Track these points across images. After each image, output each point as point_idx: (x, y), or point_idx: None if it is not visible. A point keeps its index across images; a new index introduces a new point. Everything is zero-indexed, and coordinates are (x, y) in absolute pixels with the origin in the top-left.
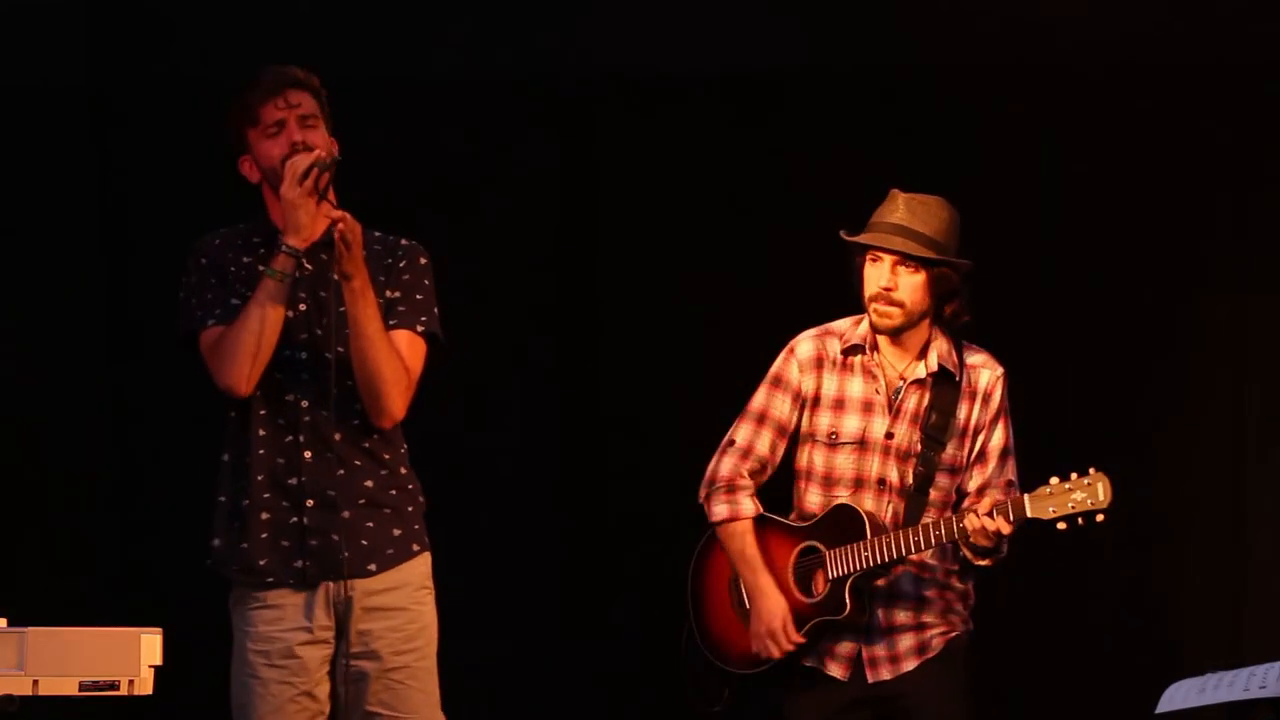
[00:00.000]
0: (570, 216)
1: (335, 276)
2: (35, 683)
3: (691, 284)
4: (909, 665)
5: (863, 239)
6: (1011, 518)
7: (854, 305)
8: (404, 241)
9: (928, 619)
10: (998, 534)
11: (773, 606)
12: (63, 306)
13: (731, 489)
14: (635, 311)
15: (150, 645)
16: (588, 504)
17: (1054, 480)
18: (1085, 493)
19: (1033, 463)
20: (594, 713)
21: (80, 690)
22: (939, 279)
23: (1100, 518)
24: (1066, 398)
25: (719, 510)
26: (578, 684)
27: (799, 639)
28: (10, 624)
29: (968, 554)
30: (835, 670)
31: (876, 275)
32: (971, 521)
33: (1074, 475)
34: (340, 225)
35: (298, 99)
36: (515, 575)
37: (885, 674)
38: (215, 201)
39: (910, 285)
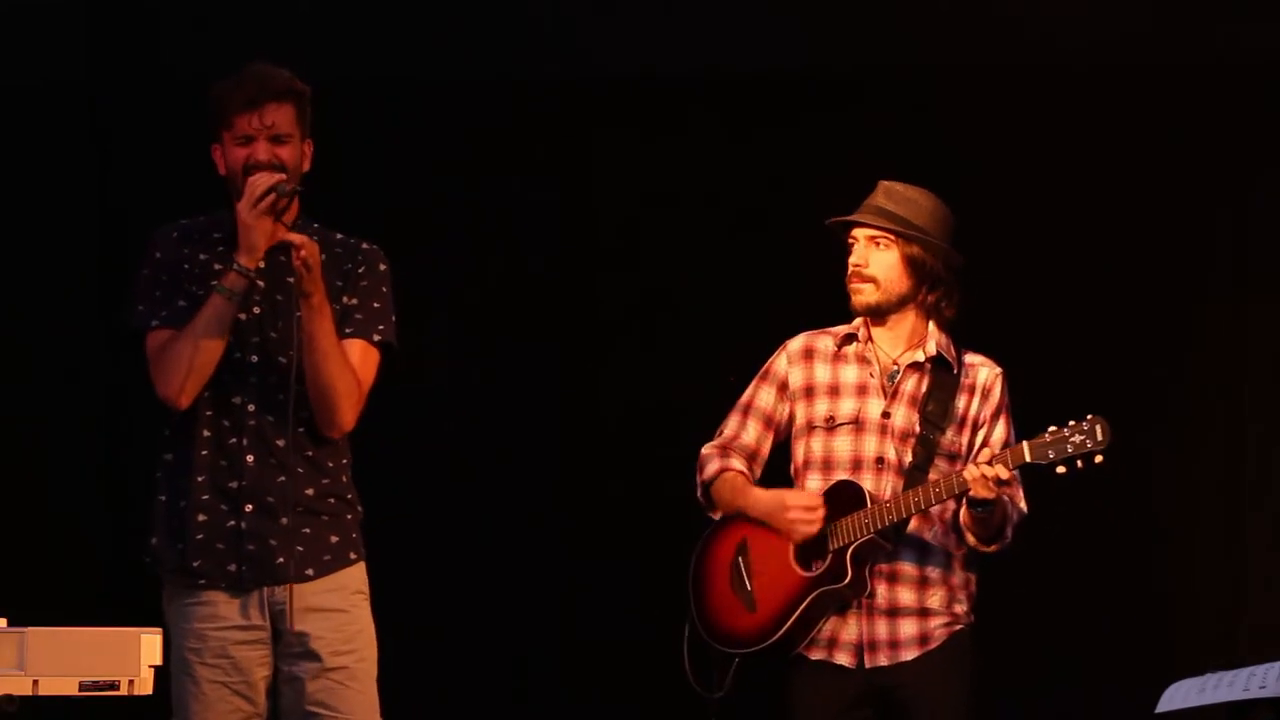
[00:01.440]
0: (569, 217)
1: (295, 292)
2: (35, 683)
3: (690, 284)
4: (909, 654)
5: (848, 217)
6: (1011, 464)
7: (850, 313)
8: (364, 245)
9: (931, 604)
10: (992, 493)
11: (778, 495)
12: (62, 306)
13: (724, 453)
14: (634, 312)
15: (150, 645)
16: (586, 505)
17: (1052, 427)
18: (1083, 435)
19: None
20: (594, 713)
21: (80, 690)
22: (913, 259)
23: (1099, 459)
24: (1066, 398)
25: (709, 469)
26: (578, 685)
27: (815, 496)
28: (10, 624)
29: (972, 539)
30: (843, 658)
31: (851, 256)
32: (971, 471)
33: (1071, 422)
34: (301, 251)
35: (274, 116)
36: (514, 576)
37: (883, 659)
38: (215, 201)
39: (882, 262)
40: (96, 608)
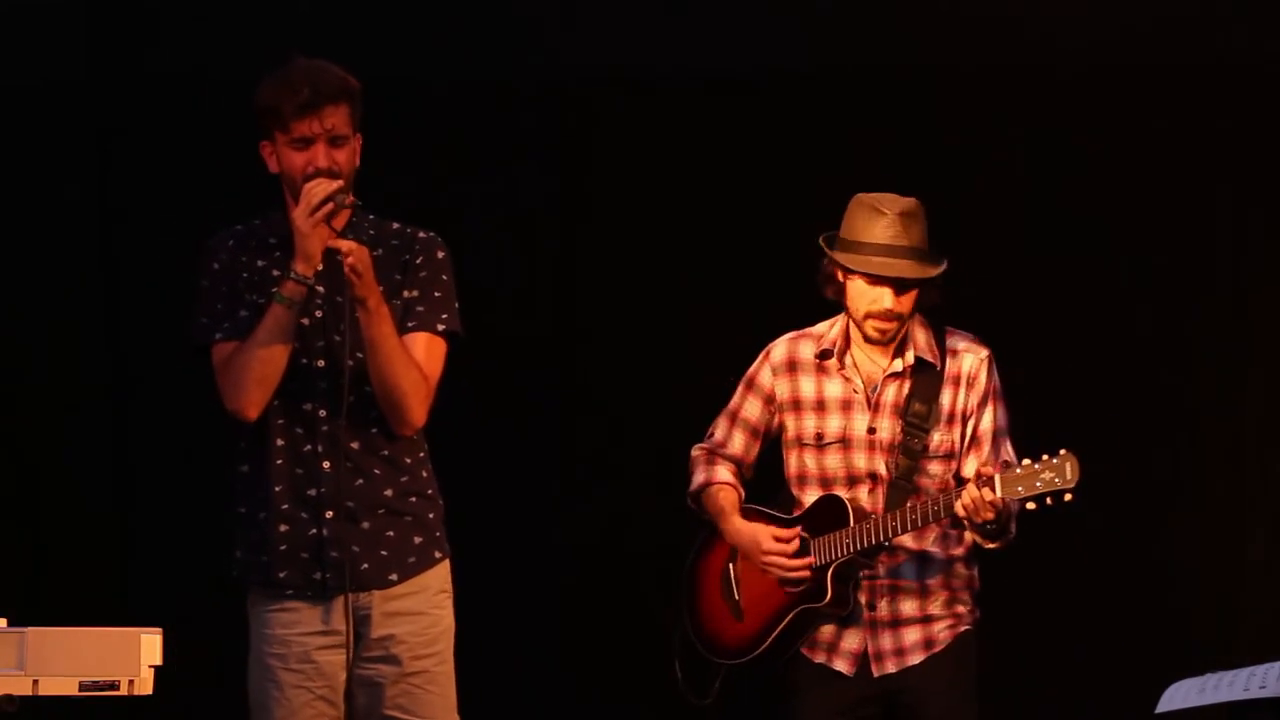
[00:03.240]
0: (568, 217)
1: (350, 299)
2: (35, 683)
3: (690, 285)
4: (915, 659)
5: (875, 269)
6: (986, 495)
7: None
8: (421, 234)
9: (934, 610)
10: (995, 507)
11: (754, 533)
12: (62, 306)
13: (710, 461)
14: (633, 313)
15: (150, 645)
16: (583, 507)
17: (1025, 461)
18: (1053, 472)
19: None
20: (594, 712)
21: (80, 690)
22: (930, 287)
23: (1068, 497)
24: (1064, 399)
25: (696, 479)
26: (578, 685)
27: (789, 533)
28: (10, 624)
29: (976, 537)
30: (841, 665)
31: (876, 295)
32: (964, 500)
33: (1044, 456)
34: (349, 259)
35: (332, 119)
36: (513, 577)
37: (890, 667)
38: (215, 201)
39: (909, 300)
40: (96, 608)
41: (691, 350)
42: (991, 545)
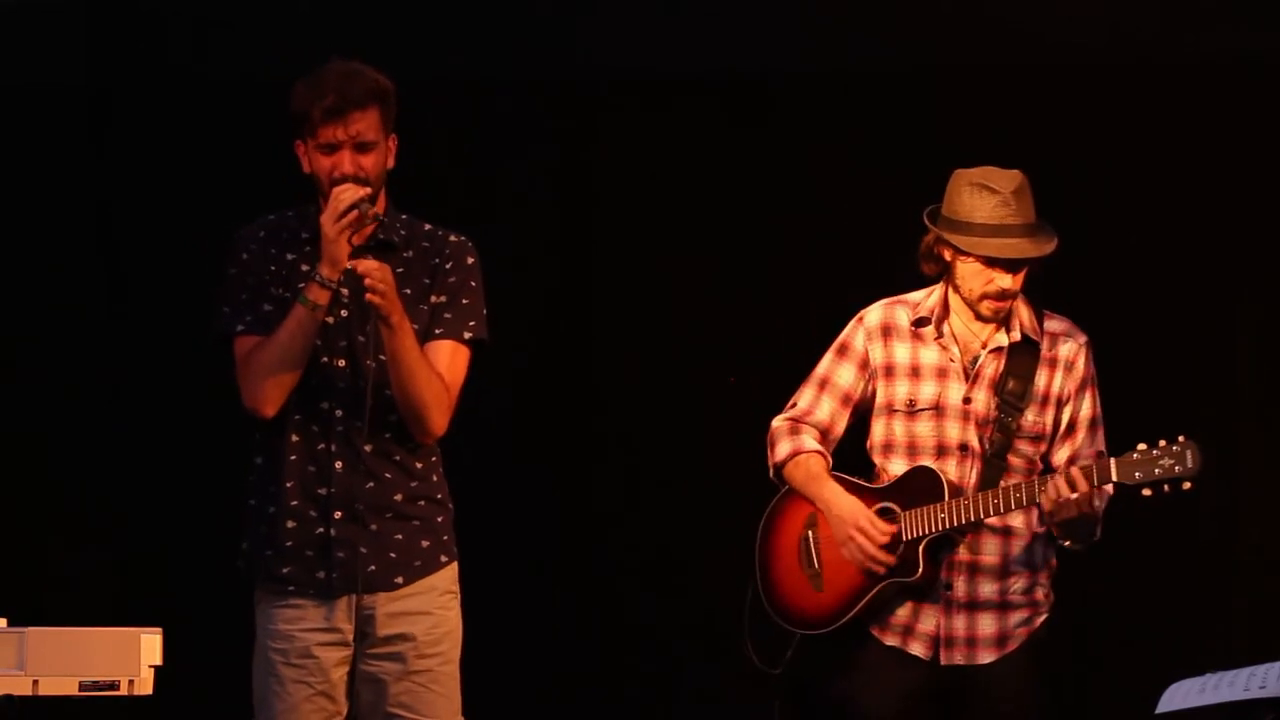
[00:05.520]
0: (568, 217)
1: (373, 316)
2: (35, 683)
3: (689, 285)
4: (986, 657)
5: (993, 251)
6: (1096, 480)
7: (848, 312)
8: (452, 238)
9: (1013, 596)
10: (1082, 502)
11: (852, 508)
12: (61, 305)
13: (795, 431)
14: (632, 313)
15: (150, 645)
16: (582, 503)
17: (1141, 446)
18: (1173, 459)
19: None
20: (595, 712)
21: (80, 690)
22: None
23: (1187, 485)
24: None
25: (782, 449)
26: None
27: (888, 527)
28: (10, 624)
29: (1059, 538)
30: (918, 649)
31: (991, 275)
32: (1051, 490)
33: (1162, 442)
34: (369, 280)
35: (358, 125)
36: (512, 576)
37: (959, 658)
38: (215, 200)
39: (1022, 277)
40: (96, 608)
41: (692, 348)
42: (1074, 547)
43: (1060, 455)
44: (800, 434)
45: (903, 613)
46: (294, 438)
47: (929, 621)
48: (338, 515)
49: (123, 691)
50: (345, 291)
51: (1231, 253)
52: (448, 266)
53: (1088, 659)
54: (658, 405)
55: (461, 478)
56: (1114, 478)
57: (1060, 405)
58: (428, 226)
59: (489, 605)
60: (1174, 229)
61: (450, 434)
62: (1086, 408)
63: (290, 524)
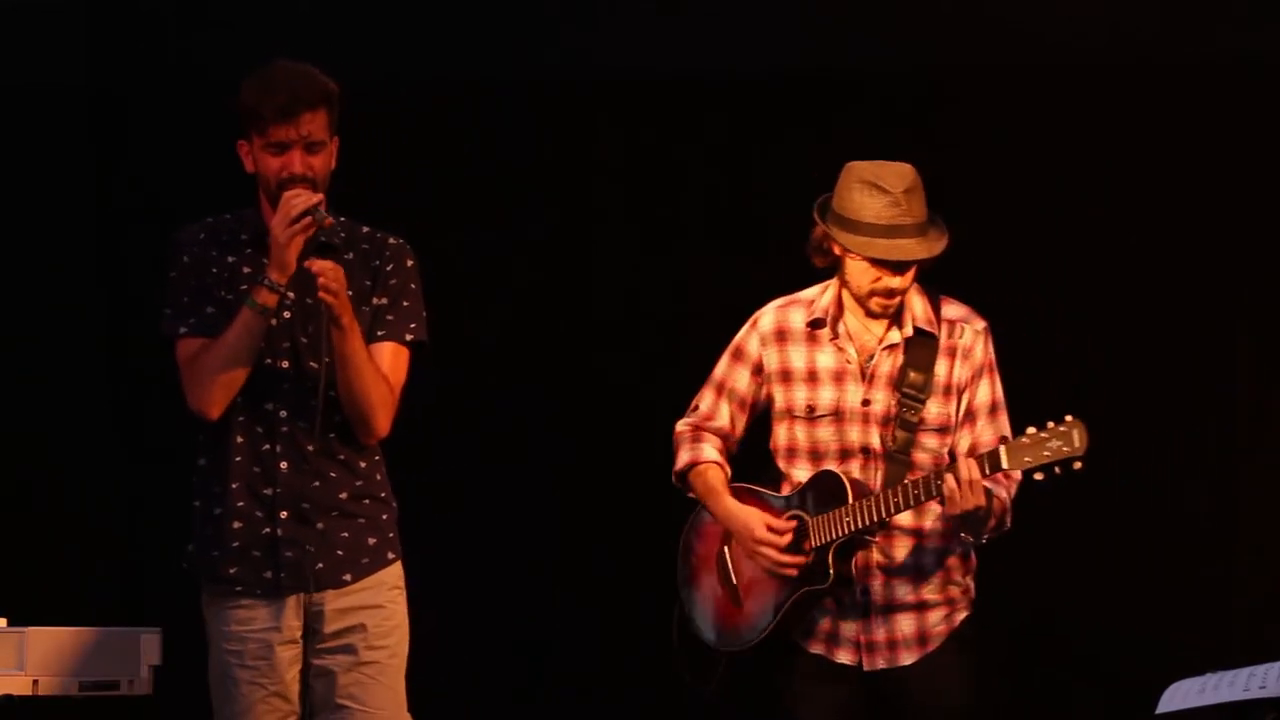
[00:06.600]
0: (567, 217)
1: (324, 318)
2: (35, 683)
3: (689, 285)
4: (908, 658)
5: (881, 253)
6: (987, 469)
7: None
8: (391, 240)
9: (928, 595)
10: (982, 500)
11: (746, 519)
12: (61, 306)
13: (696, 439)
14: (632, 313)
15: (150, 645)
16: (582, 503)
17: (1030, 430)
18: (1060, 440)
19: None
20: (594, 712)
21: (80, 690)
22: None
23: (1077, 465)
24: (1064, 400)
25: (682, 458)
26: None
27: (786, 525)
28: (10, 624)
29: (957, 529)
30: (844, 656)
31: (878, 274)
32: (949, 481)
33: (1050, 424)
34: (322, 279)
35: (309, 126)
36: (510, 574)
37: (881, 662)
38: (215, 200)
39: (911, 275)
40: (96, 608)
41: (692, 348)
42: (982, 542)
43: (963, 444)
44: (701, 442)
45: (825, 621)
46: (238, 439)
47: (850, 628)
48: (284, 515)
49: (123, 691)
50: (291, 294)
51: (1231, 253)
52: (388, 269)
53: (1087, 659)
54: (657, 405)
55: (462, 478)
56: (1004, 465)
57: (959, 393)
58: (366, 229)
59: (489, 605)
60: (1174, 229)
61: (451, 435)
62: (984, 393)
63: (236, 524)
